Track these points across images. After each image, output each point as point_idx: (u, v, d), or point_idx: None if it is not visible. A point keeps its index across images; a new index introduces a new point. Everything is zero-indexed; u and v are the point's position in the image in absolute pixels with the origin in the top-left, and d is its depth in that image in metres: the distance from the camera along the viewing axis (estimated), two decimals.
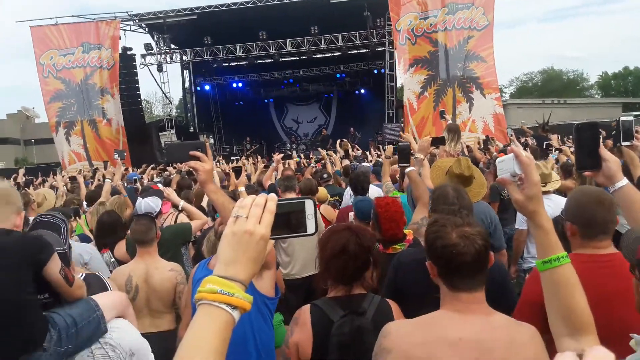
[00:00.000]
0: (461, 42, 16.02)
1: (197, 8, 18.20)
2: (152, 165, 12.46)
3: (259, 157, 13.51)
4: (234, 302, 0.87)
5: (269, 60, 21.87)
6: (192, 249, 4.48)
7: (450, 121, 10.66)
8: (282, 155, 7.83)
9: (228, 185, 6.28)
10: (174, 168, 10.29)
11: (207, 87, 23.86)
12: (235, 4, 17.54)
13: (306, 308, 2.06)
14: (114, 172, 6.45)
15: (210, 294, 0.87)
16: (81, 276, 2.26)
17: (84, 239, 4.42)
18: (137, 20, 19.02)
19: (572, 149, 5.56)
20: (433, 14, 15.99)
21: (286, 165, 7.99)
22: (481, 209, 3.45)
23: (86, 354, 1.85)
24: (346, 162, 9.18)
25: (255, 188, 5.43)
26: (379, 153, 10.95)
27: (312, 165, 9.84)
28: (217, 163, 12.76)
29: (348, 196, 5.17)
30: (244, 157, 14.26)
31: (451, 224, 1.60)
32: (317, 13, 17.78)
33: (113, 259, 3.93)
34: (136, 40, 22.53)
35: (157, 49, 19.87)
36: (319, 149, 13.89)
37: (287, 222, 0.98)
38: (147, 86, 38.70)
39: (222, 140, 24.20)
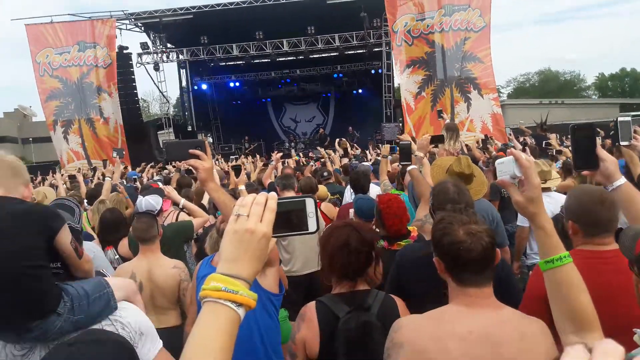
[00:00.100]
0: (458, 43, 16.02)
1: (193, 7, 18.07)
2: (151, 164, 12.44)
3: (258, 156, 13.49)
4: (239, 299, 0.87)
5: (266, 60, 21.81)
6: (194, 246, 4.49)
7: (448, 120, 10.67)
8: (281, 154, 7.83)
9: (228, 183, 6.29)
10: (174, 167, 10.29)
11: (204, 87, 23.75)
12: (231, 3, 17.44)
13: (311, 305, 2.07)
14: (114, 170, 6.44)
15: (215, 291, 0.86)
16: None
17: (85, 236, 4.39)
18: (133, 19, 18.89)
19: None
20: (429, 15, 15.97)
21: (285, 164, 8.00)
22: (483, 207, 3.47)
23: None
24: (345, 160, 9.19)
25: (255, 186, 5.44)
26: (378, 152, 10.96)
27: (311, 163, 9.83)
28: (216, 162, 12.75)
29: (348, 194, 5.18)
30: (243, 156, 14.26)
31: (458, 221, 1.62)
32: (313, 13, 17.73)
33: (117, 256, 3.93)
34: (132, 39, 22.53)
35: (154, 48, 19.73)
36: (319, 147, 13.87)
37: (289, 220, 0.98)
38: (144, 85, 38.63)
39: (220, 139, 24.10)
